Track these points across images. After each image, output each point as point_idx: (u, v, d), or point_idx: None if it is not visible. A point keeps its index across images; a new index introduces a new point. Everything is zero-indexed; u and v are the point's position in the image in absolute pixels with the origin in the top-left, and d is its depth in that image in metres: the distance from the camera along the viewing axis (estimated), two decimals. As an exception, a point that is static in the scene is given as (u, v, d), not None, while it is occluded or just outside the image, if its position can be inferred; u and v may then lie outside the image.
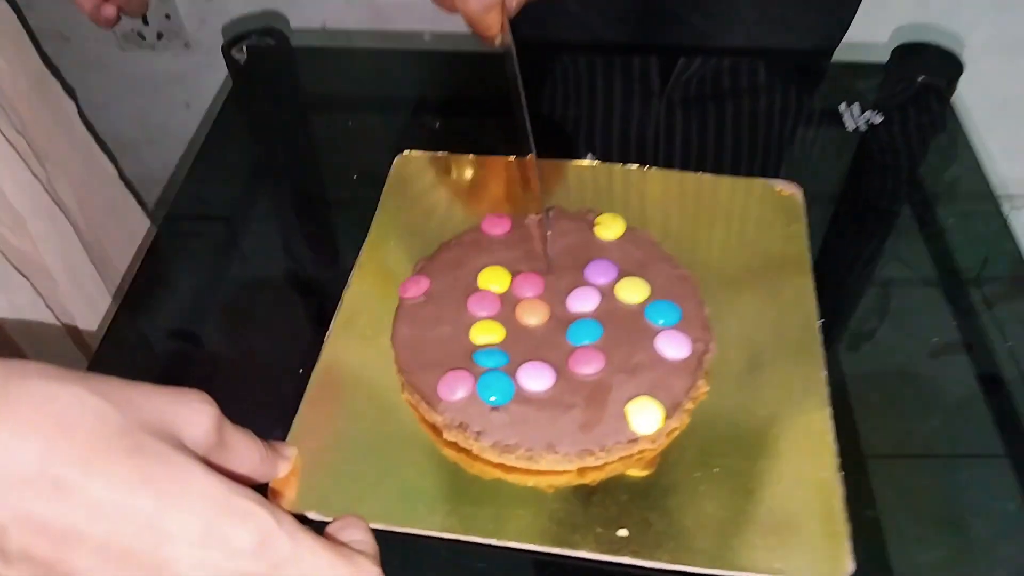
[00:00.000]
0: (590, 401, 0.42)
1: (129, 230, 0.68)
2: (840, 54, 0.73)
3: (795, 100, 0.64)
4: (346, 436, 0.43)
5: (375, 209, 0.54)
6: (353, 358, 0.46)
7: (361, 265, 0.50)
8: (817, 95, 0.65)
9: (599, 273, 0.47)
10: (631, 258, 0.48)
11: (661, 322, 0.45)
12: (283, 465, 0.38)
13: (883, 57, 0.65)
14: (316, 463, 0.41)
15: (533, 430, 0.41)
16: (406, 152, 0.57)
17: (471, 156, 0.57)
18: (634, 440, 0.41)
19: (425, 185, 0.56)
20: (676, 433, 0.42)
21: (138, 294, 0.52)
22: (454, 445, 0.42)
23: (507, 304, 0.47)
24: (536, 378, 0.42)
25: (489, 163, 0.56)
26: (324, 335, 0.47)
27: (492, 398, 0.42)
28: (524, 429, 0.41)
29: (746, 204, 0.53)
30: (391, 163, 0.56)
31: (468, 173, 0.56)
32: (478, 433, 0.41)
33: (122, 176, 0.68)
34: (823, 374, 0.44)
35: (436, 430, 0.43)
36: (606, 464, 0.41)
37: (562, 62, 0.66)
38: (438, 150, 0.57)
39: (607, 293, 0.46)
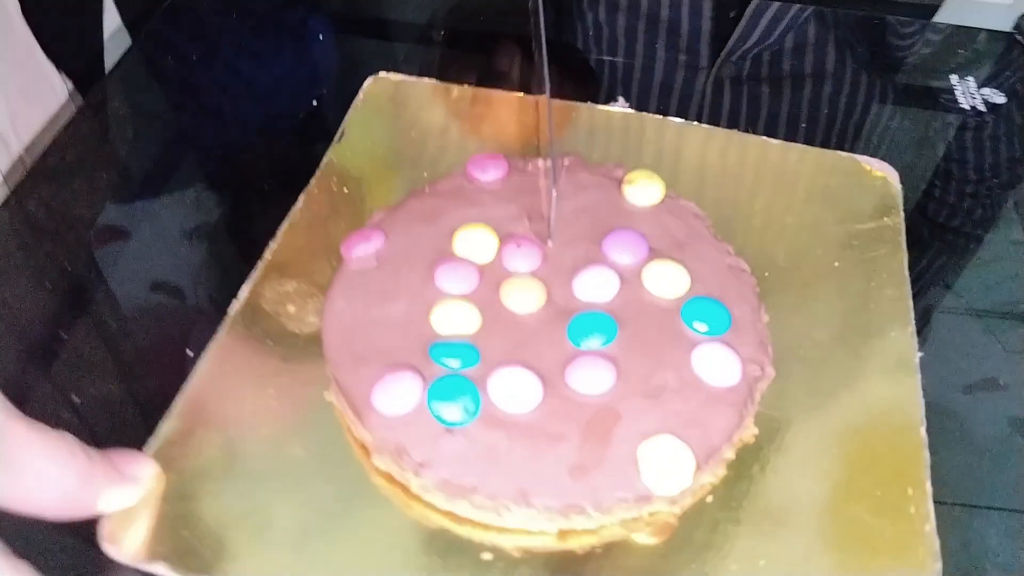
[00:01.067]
0: (588, 434, 0.29)
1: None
2: (947, 15, 0.59)
3: (879, 81, 0.49)
4: (236, 451, 0.30)
5: (330, 141, 0.40)
6: (266, 334, 0.33)
7: (300, 210, 0.37)
8: (914, 68, 0.51)
9: (622, 249, 0.34)
10: (668, 234, 0.35)
11: (703, 329, 0.32)
12: (121, 491, 0.26)
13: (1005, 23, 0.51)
14: (186, 489, 0.28)
15: (501, 468, 0.28)
16: (381, 74, 0.44)
17: (467, 87, 0.43)
18: (645, 499, 0.28)
19: (402, 116, 0.42)
20: (706, 491, 0.29)
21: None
22: (389, 475, 0.29)
23: (489, 279, 0.33)
24: (515, 391, 0.29)
25: (490, 97, 0.43)
26: (230, 301, 0.34)
27: (453, 416, 0.29)
28: (488, 465, 0.28)
29: (826, 182, 0.40)
30: (359, 87, 0.43)
31: (461, 106, 0.43)
32: (420, 465, 0.28)
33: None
34: (921, 434, 0.31)
35: (366, 450, 0.30)
36: (601, 528, 0.28)
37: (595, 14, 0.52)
38: (424, 76, 0.44)
39: (630, 279, 0.33)
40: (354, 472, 0.30)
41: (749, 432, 0.31)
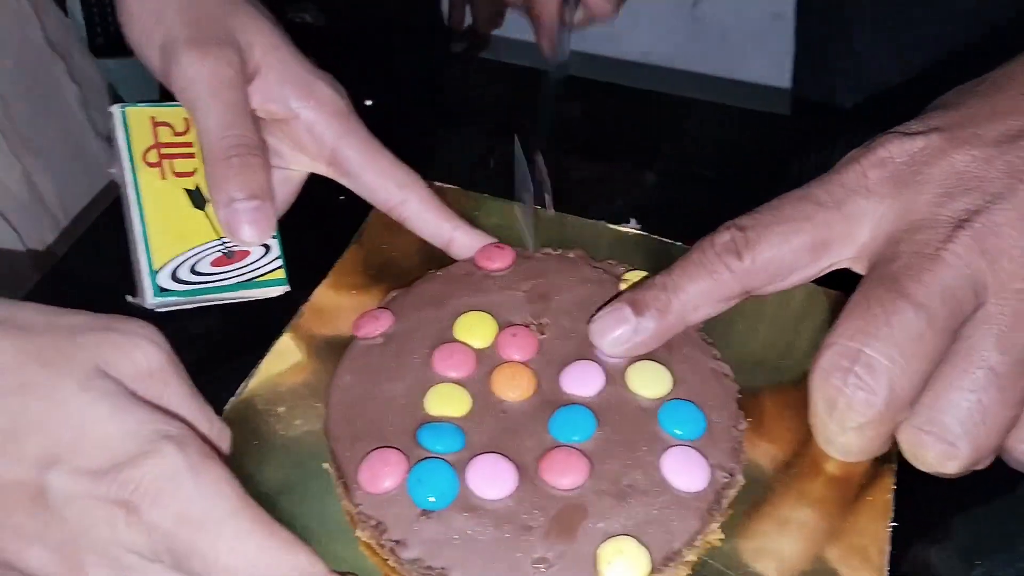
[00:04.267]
0: (555, 527, 0.31)
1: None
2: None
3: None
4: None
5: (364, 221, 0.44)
6: (286, 397, 0.37)
7: (328, 283, 0.41)
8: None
9: (611, 347, 0.36)
10: (657, 335, 0.37)
11: (678, 432, 0.34)
12: (225, 447, 0.31)
13: None
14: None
15: (470, 554, 0.30)
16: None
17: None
18: (602, 595, 0.30)
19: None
20: (666, 589, 0.31)
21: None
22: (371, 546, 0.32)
23: (484, 365, 0.36)
24: (491, 480, 0.32)
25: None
26: (261, 356, 0.37)
27: (430, 498, 0.31)
28: (457, 550, 0.30)
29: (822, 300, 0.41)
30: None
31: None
32: (397, 543, 0.31)
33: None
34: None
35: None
36: (560, 615, 0.30)
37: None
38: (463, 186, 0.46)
39: (615, 376, 0.35)
40: (344, 537, 0.32)
41: (715, 536, 0.32)
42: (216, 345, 0.43)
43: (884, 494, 0.34)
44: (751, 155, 0.50)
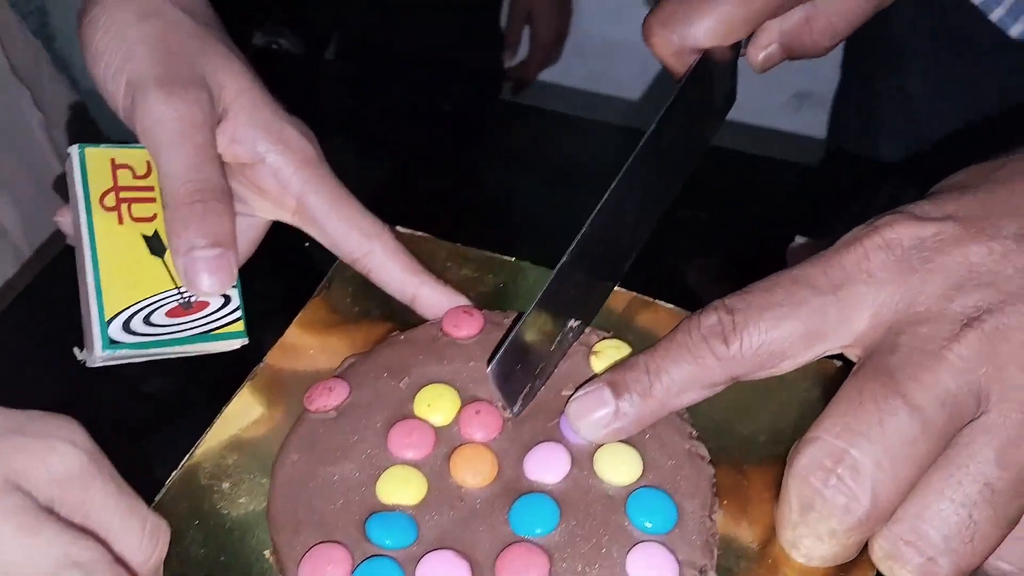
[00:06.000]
0: (509, 634, 0.29)
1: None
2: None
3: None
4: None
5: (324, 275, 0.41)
6: (231, 471, 0.34)
7: (281, 345, 0.38)
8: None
9: (578, 427, 0.34)
10: (629, 414, 0.35)
11: (647, 525, 0.31)
12: (160, 549, 0.28)
13: None
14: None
15: (414, 665, 0.28)
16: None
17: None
18: None
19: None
20: None
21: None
22: (311, 646, 0.30)
23: (444, 444, 0.34)
24: (442, 579, 0.30)
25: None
26: (215, 413, 0.35)
27: (369, 601, 0.29)
28: (401, 660, 0.28)
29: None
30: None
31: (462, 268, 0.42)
32: (336, 650, 0.29)
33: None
34: None
35: (298, 614, 0.30)
36: None
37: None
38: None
39: (582, 460, 0.33)
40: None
41: (680, 640, 0.30)
42: (168, 403, 0.41)
43: None
44: (780, 207, 0.47)
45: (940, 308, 0.29)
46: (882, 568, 0.29)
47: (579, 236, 0.34)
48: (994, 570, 0.29)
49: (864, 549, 0.30)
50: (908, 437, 0.27)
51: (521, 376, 0.34)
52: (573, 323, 0.35)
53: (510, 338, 0.32)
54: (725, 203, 0.46)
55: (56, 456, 0.26)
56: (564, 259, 0.33)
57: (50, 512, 0.25)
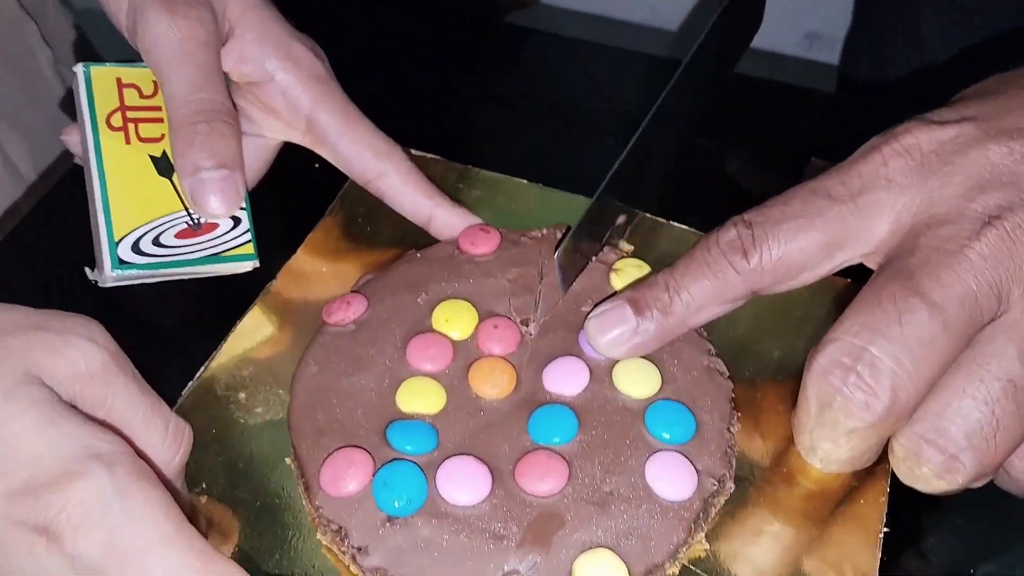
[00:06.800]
0: (529, 536, 0.29)
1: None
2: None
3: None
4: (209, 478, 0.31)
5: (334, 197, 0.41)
6: (247, 382, 0.34)
7: (290, 267, 0.38)
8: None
9: (597, 342, 0.34)
10: (647, 330, 0.35)
11: (665, 436, 0.31)
12: (184, 451, 0.28)
13: None
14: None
15: (435, 562, 0.28)
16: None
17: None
18: (576, 611, 0.28)
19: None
20: (646, 601, 0.29)
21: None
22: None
23: (462, 358, 0.34)
24: (463, 484, 0.30)
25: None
26: (226, 334, 0.35)
27: (396, 503, 0.29)
28: (423, 559, 0.28)
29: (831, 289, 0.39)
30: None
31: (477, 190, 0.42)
32: (358, 550, 0.29)
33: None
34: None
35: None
36: (532, 629, 0.29)
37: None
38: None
39: (601, 374, 0.33)
40: (305, 534, 0.31)
41: (699, 548, 0.31)
42: (182, 324, 0.41)
43: (879, 496, 0.32)
44: (794, 133, 0.47)
45: (960, 209, 0.28)
46: (902, 470, 0.29)
47: (621, 159, 0.34)
48: (1016, 471, 0.29)
49: (880, 459, 0.31)
50: (927, 335, 0.27)
51: (578, 263, 0.35)
52: (621, 219, 0.36)
53: (575, 229, 0.34)
54: (740, 128, 0.46)
55: (78, 353, 0.26)
56: (608, 179, 0.34)
57: (72, 407, 0.25)
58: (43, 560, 0.23)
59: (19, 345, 0.25)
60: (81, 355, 0.26)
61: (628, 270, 0.36)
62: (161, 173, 0.37)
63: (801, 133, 0.46)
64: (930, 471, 0.28)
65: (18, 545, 0.23)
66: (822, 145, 0.44)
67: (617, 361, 0.33)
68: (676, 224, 0.40)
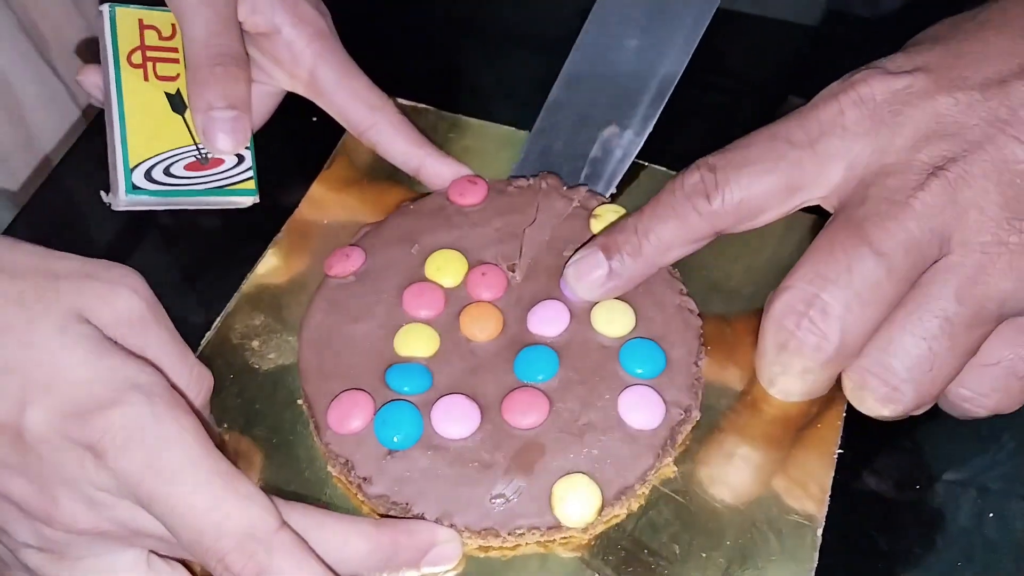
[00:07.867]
0: (514, 464, 0.33)
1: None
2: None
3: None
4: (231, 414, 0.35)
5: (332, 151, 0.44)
6: (259, 330, 0.38)
7: (295, 220, 0.41)
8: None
9: (577, 286, 0.37)
10: (624, 273, 0.37)
11: (638, 371, 0.35)
12: (204, 394, 0.32)
13: None
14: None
15: (431, 489, 0.32)
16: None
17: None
18: (556, 528, 0.32)
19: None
20: (621, 518, 0.33)
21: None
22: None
23: (454, 304, 0.37)
24: (455, 420, 0.33)
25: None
26: (239, 285, 0.39)
27: (395, 439, 0.33)
28: (420, 486, 0.32)
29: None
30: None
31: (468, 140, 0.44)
32: (364, 479, 0.33)
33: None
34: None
35: (327, 453, 0.34)
36: (518, 545, 0.33)
37: None
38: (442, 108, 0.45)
39: (580, 316, 0.36)
40: (316, 466, 0.34)
41: (668, 470, 0.34)
42: (198, 266, 0.43)
43: (835, 420, 0.35)
44: (777, 68, 0.48)
45: (907, 159, 0.31)
46: (853, 399, 0.32)
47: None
48: (956, 397, 0.32)
49: (836, 386, 0.34)
50: (874, 281, 0.30)
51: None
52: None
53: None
54: (721, 64, 0.47)
55: (122, 300, 0.29)
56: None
57: (116, 343, 0.29)
58: (91, 474, 0.27)
59: (71, 289, 0.29)
60: (125, 303, 0.29)
61: (607, 215, 0.38)
62: (175, 109, 0.40)
63: (783, 68, 0.48)
64: (876, 400, 0.31)
65: (71, 459, 0.27)
66: (805, 80, 0.45)
67: (595, 303, 0.36)
68: (655, 166, 0.42)
